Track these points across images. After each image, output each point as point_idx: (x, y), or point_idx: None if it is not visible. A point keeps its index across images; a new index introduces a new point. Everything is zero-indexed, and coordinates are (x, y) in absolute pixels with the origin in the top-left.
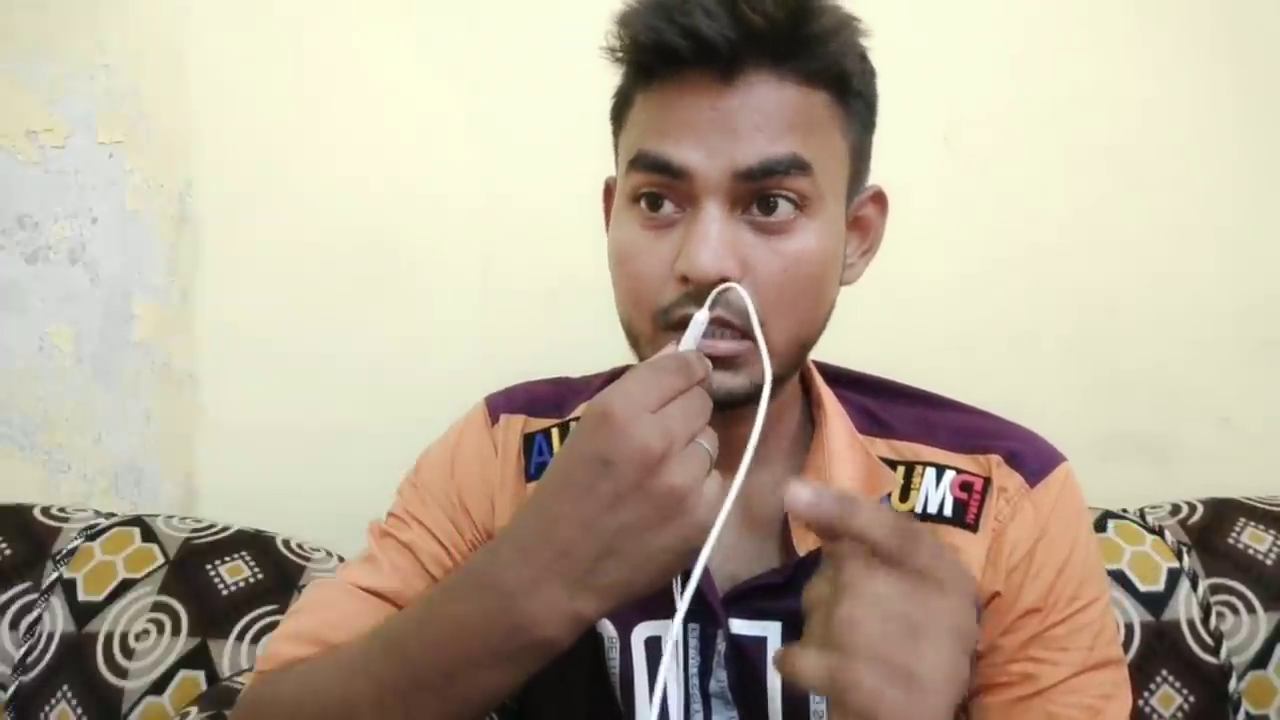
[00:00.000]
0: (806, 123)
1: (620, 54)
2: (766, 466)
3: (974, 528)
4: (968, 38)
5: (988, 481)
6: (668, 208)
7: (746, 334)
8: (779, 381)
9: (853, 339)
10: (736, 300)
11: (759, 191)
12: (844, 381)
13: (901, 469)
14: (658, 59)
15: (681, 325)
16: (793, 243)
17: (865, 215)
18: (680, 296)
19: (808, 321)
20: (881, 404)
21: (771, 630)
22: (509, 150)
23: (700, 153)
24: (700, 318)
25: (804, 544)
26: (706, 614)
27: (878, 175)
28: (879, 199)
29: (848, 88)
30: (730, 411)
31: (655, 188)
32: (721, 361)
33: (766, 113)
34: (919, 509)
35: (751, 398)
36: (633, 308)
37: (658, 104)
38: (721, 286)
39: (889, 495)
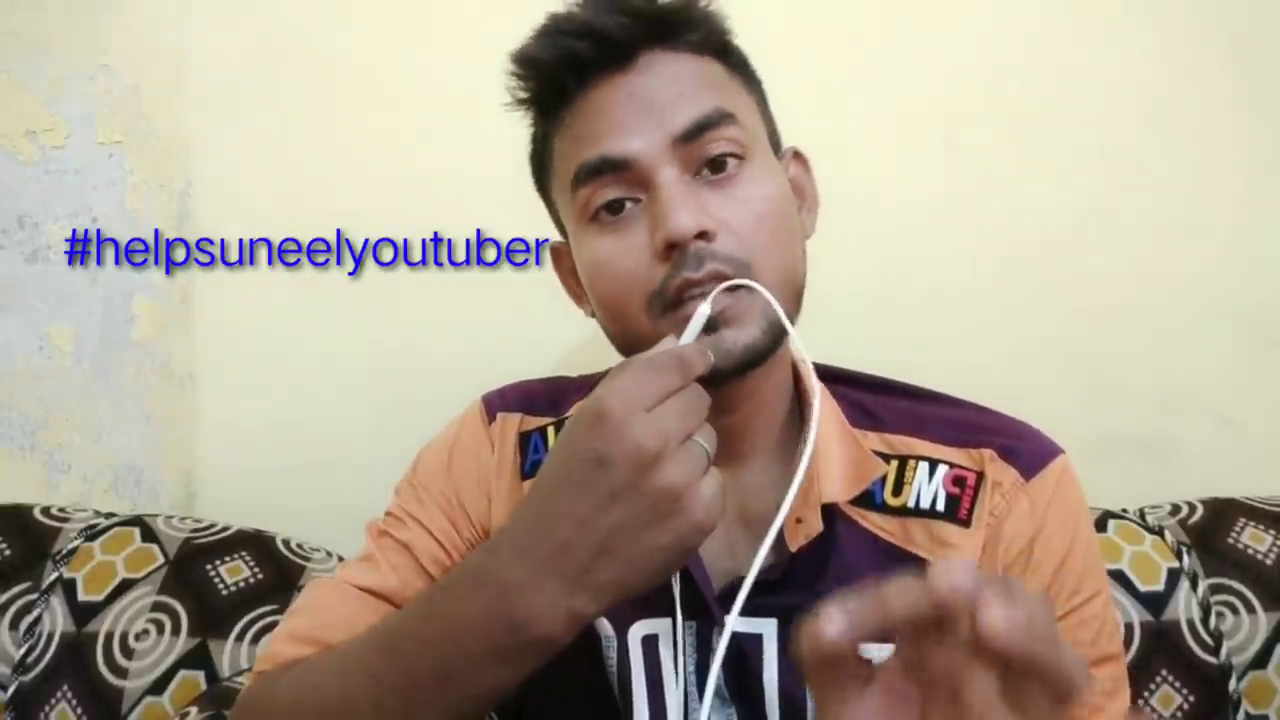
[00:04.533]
0: (713, 82)
1: (526, 92)
2: (757, 462)
3: (966, 523)
4: (967, 37)
5: (980, 476)
6: (628, 206)
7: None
8: (782, 329)
9: (850, 338)
10: (723, 250)
11: (701, 151)
12: (836, 377)
13: (895, 463)
14: (565, 70)
15: (680, 294)
16: (747, 188)
17: (794, 176)
18: (669, 271)
19: (789, 260)
20: (874, 397)
21: (768, 627)
22: (510, 149)
23: (633, 135)
24: (704, 310)
25: (796, 540)
26: (703, 612)
27: (878, 173)
28: (799, 158)
29: (730, 54)
30: (728, 391)
31: (607, 188)
32: (725, 320)
33: (677, 81)
34: (911, 503)
35: (770, 348)
36: (624, 307)
37: (574, 121)
38: (728, 283)
39: (882, 480)
